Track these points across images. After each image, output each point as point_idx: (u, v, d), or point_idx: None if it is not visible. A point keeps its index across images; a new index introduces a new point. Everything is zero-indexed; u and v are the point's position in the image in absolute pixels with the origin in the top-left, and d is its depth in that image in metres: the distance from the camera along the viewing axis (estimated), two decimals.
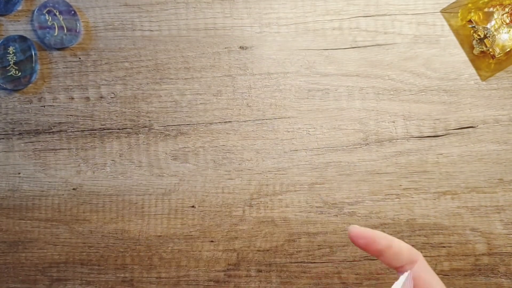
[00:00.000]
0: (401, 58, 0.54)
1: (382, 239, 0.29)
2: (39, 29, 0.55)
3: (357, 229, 0.30)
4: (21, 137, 0.55)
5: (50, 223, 0.54)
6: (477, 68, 0.54)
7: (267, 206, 0.53)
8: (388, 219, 0.53)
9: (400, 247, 0.30)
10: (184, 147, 0.54)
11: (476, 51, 0.53)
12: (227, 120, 0.54)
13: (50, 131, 0.55)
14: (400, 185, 0.53)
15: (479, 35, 0.52)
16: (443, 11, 0.54)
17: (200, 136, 0.54)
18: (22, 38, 0.55)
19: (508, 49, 0.52)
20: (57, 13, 0.55)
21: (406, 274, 0.29)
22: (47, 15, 0.55)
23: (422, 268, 0.30)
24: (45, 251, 0.54)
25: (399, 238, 0.52)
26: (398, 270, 0.31)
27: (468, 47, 0.54)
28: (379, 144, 0.53)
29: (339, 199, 0.53)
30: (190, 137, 0.54)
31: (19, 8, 0.56)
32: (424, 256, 0.52)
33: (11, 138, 0.55)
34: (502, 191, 0.53)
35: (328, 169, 0.53)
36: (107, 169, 0.54)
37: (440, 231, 0.52)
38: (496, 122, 0.53)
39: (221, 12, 0.55)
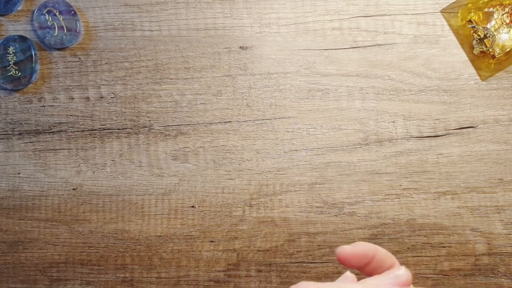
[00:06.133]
0: (401, 58, 0.54)
1: (369, 251, 0.29)
2: (39, 29, 0.55)
3: (346, 253, 0.29)
4: (21, 137, 0.55)
5: (50, 223, 0.54)
6: (477, 68, 0.54)
7: (267, 206, 0.53)
8: (388, 219, 0.53)
9: (382, 253, 0.29)
10: (184, 147, 0.54)
11: (476, 51, 0.53)
12: (227, 120, 0.54)
13: (50, 131, 0.55)
14: (400, 185, 0.53)
15: (479, 35, 0.53)
16: (443, 11, 0.54)
17: (200, 136, 0.54)
18: (22, 38, 0.55)
19: (508, 49, 0.52)
20: (57, 13, 0.55)
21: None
22: (47, 15, 0.55)
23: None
24: (45, 251, 0.54)
25: (399, 238, 0.52)
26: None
27: (468, 47, 0.54)
28: (379, 144, 0.53)
29: (339, 199, 0.53)
30: (190, 137, 0.54)
31: (19, 8, 0.56)
32: (424, 256, 0.52)
33: (11, 138, 0.55)
34: (502, 191, 0.53)
35: (328, 169, 0.53)
36: (107, 169, 0.54)
37: (440, 231, 0.52)
38: (496, 122, 0.53)
39: (221, 12, 0.55)
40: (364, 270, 0.30)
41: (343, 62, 0.54)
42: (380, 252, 0.29)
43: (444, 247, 0.52)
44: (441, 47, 0.54)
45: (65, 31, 0.55)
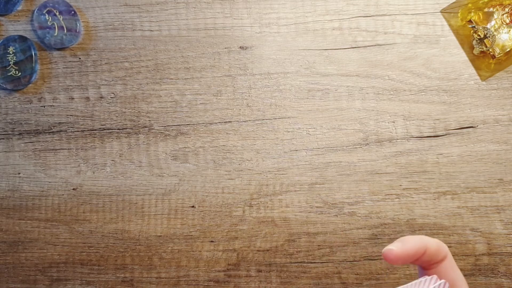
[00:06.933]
0: (401, 58, 0.54)
1: (419, 249, 0.28)
2: (39, 29, 0.55)
3: (394, 254, 0.27)
4: (21, 137, 0.55)
5: (50, 223, 0.54)
6: (477, 68, 0.54)
7: (267, 206, 0.53)
8: (388, 219, 0.53)
9: (433, 248, 0.28)
10: (184, 147, 0.54)
11: (476, 51, 0.53)
12: (227, 120, 0.54)
13: (50, 131, 0.55)
14: (400, 185, 0.53)
15: (479, 35, 0.52)
16: (443, 11, 0.54)
17: (200, 136, 0.54)
18: (22, 38, 0.55)
19: (508, 49, 0.52)
20: (57, 13, 0.55)
21: (441, 282, 0.28)
22: (47, 15, 0.55)
23: (450, 265, 0.30)
24: (45, 251, 0.54)
25: (399, 238, 0.52)
26: (427, 268, 0.30)
27: (468, 47, 0.54)
28: (379, 144, 0.53)
29: (339, 199, 0.53)
30: (190, 137, 0.54)
31: (19, 8, 0.56)
32: None
33: (11, 138, 0.55)
34: (502, 191, 0.53)
35: (328, 169, 0.53)
36: (107, 169, 0.54)
37: (440, 231, 0.52)
38: (496, 122, 0.53)
39: (221, 12, 0.55)
40: (413, 263, 0.29)
41: (343, 62, 0.54)
42: (431, 247, 0.28)
43: None
44: (441, 47, 0.54)
45: (65, 31, 0.55)
